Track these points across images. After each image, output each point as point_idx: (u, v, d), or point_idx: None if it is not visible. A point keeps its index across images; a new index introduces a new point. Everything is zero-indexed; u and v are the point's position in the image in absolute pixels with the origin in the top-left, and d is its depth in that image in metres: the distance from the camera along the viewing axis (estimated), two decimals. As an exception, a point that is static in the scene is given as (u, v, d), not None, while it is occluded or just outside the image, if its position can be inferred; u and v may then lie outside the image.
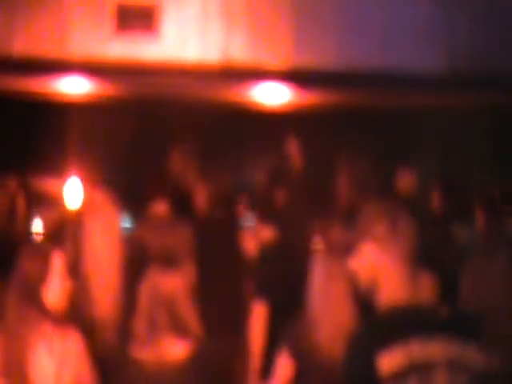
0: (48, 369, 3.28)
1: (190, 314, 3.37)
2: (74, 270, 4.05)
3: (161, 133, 7.26)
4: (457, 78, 6.51)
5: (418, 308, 2.64)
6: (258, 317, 5.00)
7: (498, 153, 7.52)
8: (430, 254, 4.78)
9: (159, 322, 3.32)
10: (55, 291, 3.40)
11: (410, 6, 6.64)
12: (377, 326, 2.62)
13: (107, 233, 4.24)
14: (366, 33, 6.58)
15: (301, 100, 7.98)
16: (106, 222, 4.29)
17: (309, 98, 7.68)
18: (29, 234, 6.35)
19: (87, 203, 4.50)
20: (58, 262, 3.45)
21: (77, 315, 3.84)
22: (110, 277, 4.17)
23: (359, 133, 7.03)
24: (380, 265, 2.64)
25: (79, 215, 4.40)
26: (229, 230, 5.58)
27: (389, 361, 2.45)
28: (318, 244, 4.17)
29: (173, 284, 3.36)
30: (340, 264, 3.80)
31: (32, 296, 3.31)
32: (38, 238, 5.51)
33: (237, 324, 5.52)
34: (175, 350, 3.33)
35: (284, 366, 3.72)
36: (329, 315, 3.71)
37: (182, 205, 6.15)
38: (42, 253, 3.40)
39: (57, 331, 3.31)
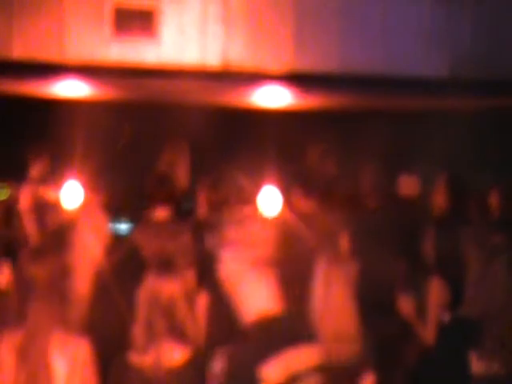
0: (59, 373, 3.27)
1: (188, 319, 3.34)
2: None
3: (160, 136, 7.23)
4: (459, 80, 6.49)
5: (287, 317, 2.58)
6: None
7: (499, 155, 7.50)
8: (436, 257, 4.76)
9: (158, 328, 3.30)
10: (63, 294, 3.38)
11: (412, 9, 6.62)
12: (252, 339, 2.52)
13: (97, 237, 4.23)
14: (367, 35, 6.57)
15: (301, 103, 7.96)
16: (96, 227, 4.28)
17: (309, 100, 7.66)
18: (28, 238, 6.34)
19: (80, 208, 4.50)
20: (63, 265, 3.44)
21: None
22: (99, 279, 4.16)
23: (360, 135, 7.01)
24: (238, 273, 2.55)
25: (72, 219, 4.39)
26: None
27: (269, 372, 2.41)
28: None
29: (171, 289, 3.33)
30: (341, 268, 3.80)
31: (45, 299, 3.30)
32: (41, 242, 5.47)
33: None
34: (174, 355, 3.30)
35: None
36: (330, 318, 3.72)
37: (181, 209, 6.12)
38: (47, 256, 3.39)
39: (69, 338, 3.30)
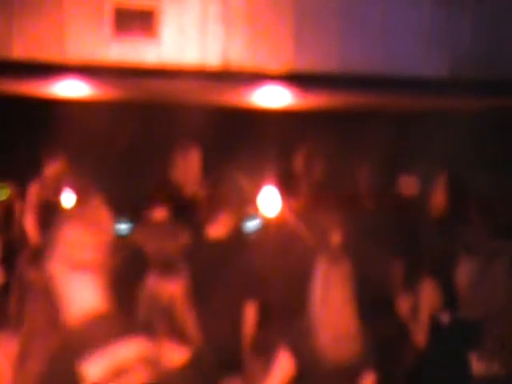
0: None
1: (188, 320, 3.34)
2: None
3: (160, 136, 7.24)
4: (458, 80, 6.50)
5: (112, 316, 2.51)
6: None
7: (499, 155, 7.50)
8: (435, 258, 4.75)
9: (158, 328, 3.29)
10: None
11: (413, 9, 6.62)
12: (72, 338, 2.45)
13: (99, 236, 4.21)
14: (367, 36, 6.56)
15: (301, 103, 7.96)
16: (99, 226, 4.26)
17: (309, 100, 7.66)
18: (28, 237, 6.35)
19: (81, 207, 4.45)
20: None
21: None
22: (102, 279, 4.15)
23: (360, 135, 7.02)
24: (60, 273, 2.50)
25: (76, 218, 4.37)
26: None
27: (91, 369, 2.36)
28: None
29: (171, 290, 3.32)
30: (340, 268, 3.80)
31: (43, 303, 3.29)
32: (41, 243, 5.47)
33: (235, 329, 5.49)
34: (174, 356, 3.30)
35: (284, 363, 3.72)
36: (329, 318, 3.72)
37: (181, 210, 6.11)
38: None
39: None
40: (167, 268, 3.41)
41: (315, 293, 3.79)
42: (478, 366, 3.65)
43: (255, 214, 6.56)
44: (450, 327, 4.01)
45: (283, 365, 3.75)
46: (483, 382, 3.65)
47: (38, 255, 3.38)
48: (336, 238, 5.04)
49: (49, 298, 3.27)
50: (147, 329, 3.30)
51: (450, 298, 4.40)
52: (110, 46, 6.23)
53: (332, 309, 3.74)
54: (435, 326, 4.45)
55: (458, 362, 3.72)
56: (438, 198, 5.92)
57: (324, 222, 5.30)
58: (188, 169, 6.27)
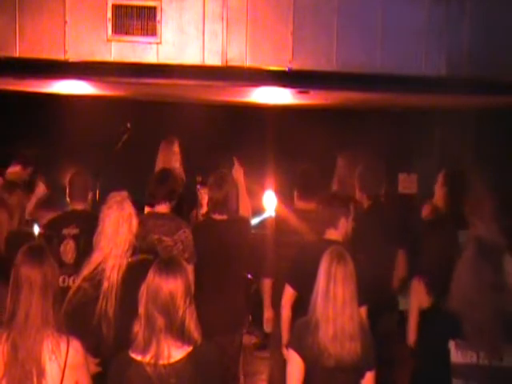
0: (51, 375, 3.29)
1: (188, 317, 3.35)
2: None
3: (160, 135, 7.27)
4: (457, 79, 6.52)
5: None
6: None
7: (496, 154, 7.54)
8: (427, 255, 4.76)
9: (158, 325, 3.31)
10: (56, 295, 3.40)
11: (411, 7, 6.64)
12: None
13: (126, 230, 4.26)
14: (366, 34, 6.58)
15: (300, 102, 7.98)
16: (125, 220, 4.30)
17: (308, 99, 7.68)
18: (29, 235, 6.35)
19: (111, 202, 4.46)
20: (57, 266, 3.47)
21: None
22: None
23: (359, 134, 7.05)
24: None
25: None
26: (229, 231, 5.55)
27: None
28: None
29: (172, 287, 3.34)
30: (343, 267, 3.82)
31: (37, 300, 3.31)
32: (37, 241, 5.49)
33: (235, 325, 5.52)
34: (173, 351, 3.32)
35: (293, 365, 3.76)
36: (331, 315, 3.75)
37: (181, 207, 6.15)
38: (42, 256, 3.40)
39: (61, 339, 3.32)
40: (167, 264, 3.43)
41: (318, 289, 3.82)
42: (457, 354, 3.69)
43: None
44: (431, 317, 4.05)
45: (292, 368, 3.80)
46: (464, 371, 3.69)
47: (34, 251, 3.42)
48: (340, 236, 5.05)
49: (42, 294, 3.30)
50: (147, 324, 3.33)
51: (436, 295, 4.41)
52: (109, 45, 6.26)
53: (334, 306, 3.77)
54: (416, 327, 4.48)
55: (438, 351, 3.76)
56: (437, 197, 5.94)
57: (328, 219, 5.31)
58: (173, 163, 6.35)
